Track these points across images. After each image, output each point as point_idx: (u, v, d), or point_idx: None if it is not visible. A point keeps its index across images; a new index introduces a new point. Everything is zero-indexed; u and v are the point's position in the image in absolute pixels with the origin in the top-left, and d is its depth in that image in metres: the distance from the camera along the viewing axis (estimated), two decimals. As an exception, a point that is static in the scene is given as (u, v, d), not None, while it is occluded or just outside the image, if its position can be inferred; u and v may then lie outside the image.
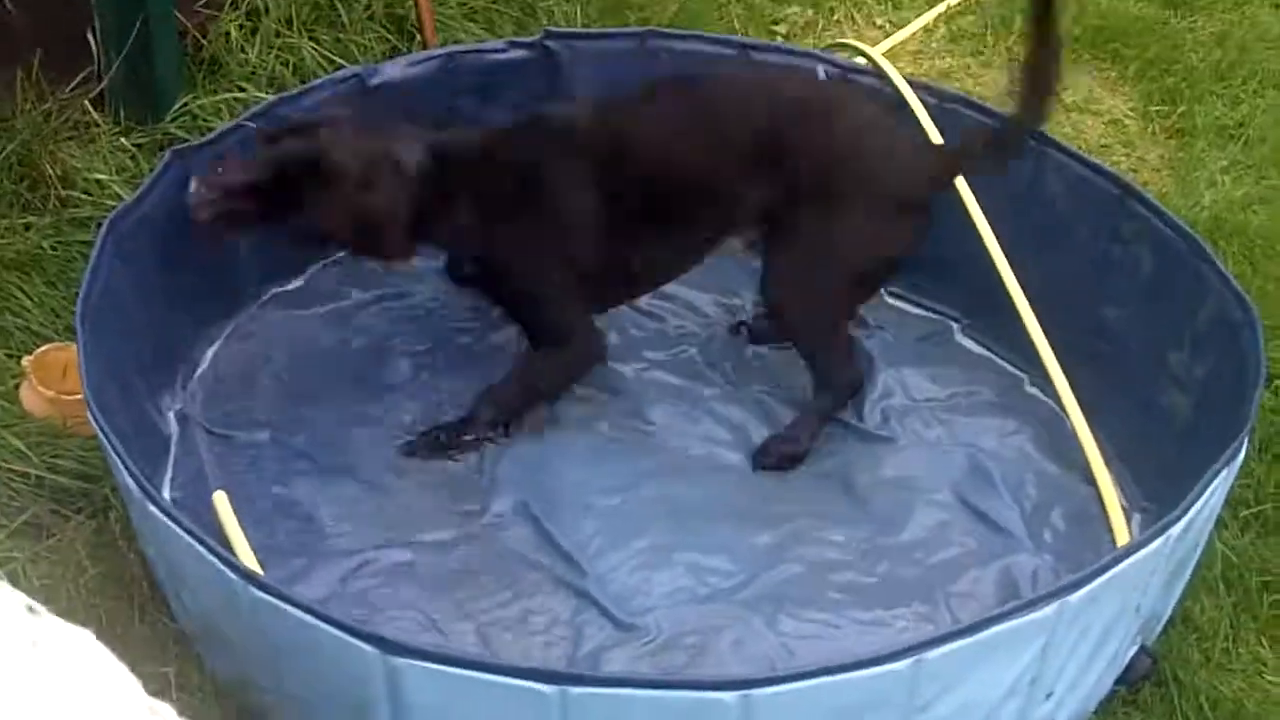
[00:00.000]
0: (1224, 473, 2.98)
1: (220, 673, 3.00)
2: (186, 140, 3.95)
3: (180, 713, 2.86)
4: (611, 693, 2.55)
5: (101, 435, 2.96)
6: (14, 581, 3.07)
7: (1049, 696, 2.84)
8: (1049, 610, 2.67)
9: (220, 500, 3.14)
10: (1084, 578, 2.71)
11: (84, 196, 3.90)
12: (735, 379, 3.82)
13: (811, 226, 3.45)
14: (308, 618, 2.64)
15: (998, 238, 3.76)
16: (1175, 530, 2.85)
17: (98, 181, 3.92)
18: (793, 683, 2.55)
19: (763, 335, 3.88)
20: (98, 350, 3.13)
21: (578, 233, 3.46)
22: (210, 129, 3.96)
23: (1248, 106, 4.98)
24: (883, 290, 3.97)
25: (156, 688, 2.86)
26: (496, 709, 2.60)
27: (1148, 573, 2.87)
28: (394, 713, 2.66)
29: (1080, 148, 4.37)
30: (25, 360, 3.51)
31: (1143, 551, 2.79)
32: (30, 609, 1.66)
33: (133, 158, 4.00)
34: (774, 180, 3.43)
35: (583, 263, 3.48)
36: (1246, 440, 3.13)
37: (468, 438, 3.56)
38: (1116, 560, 2.75)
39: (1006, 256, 3.74)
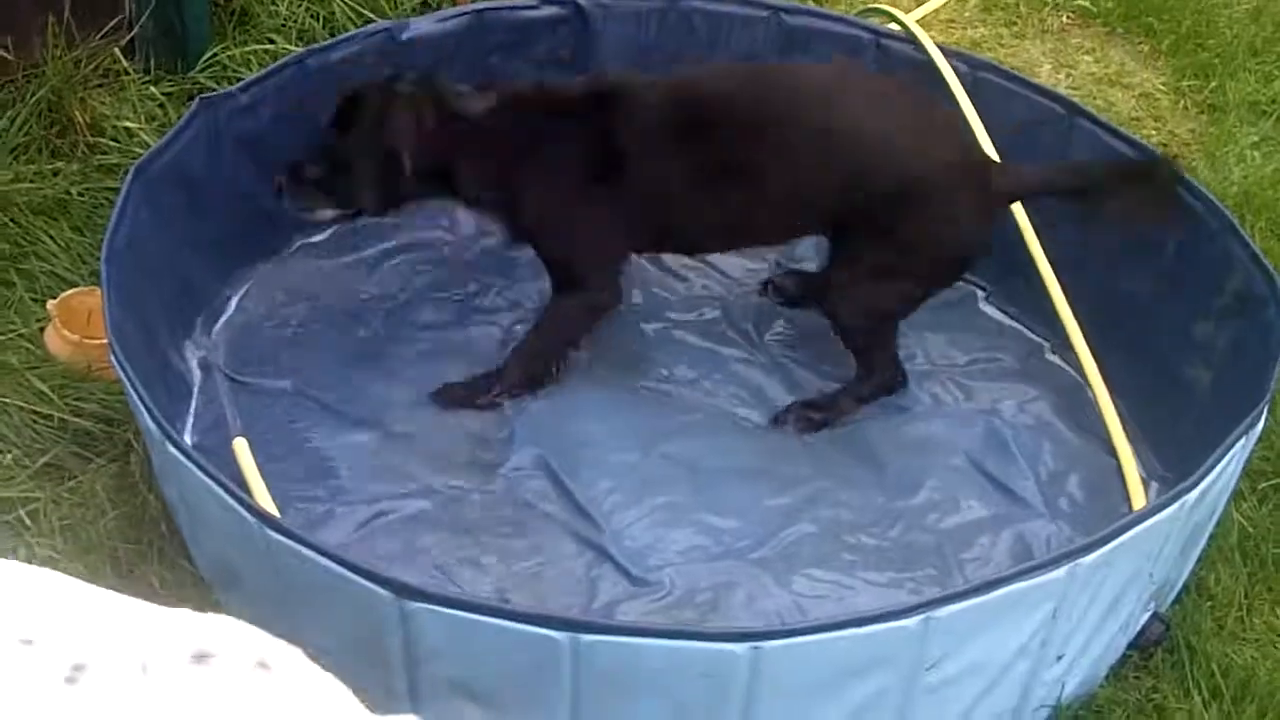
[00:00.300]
0: (1241, 442, 2.98)
1: (236, 616, 3.02)
2: (215, 90, 3.97)
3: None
4: (623, 641, 2.56)
5: (123, 377, 2.98)
6: (35, 521, 3.14)
7: (1059, 659, 2.84)
8: (1060, 572, 2.67)
9: (240, 446, 3.16)
10: (1096, 541, 2.71)
11: (112, 144, 3.93)
12: (757, 341, 3.83)
13: (882, 244, 3.44)
14: (324, 561, 2.66)
15: (1024, 207, 3.76)
16: (1190, 497, 2.85)
17: (126, 129, 3.95)
18: (802, 636, 2.56)
19: (789, 295, 3.89)
20: (122, 294, 3.16)
21: (637, 198, 3.47)
22: (239, 79, 3.97)
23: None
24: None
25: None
26: (509, 655, 2.62)
27: (1161, 539, 2.87)
28: (407, 657, 2.68)
29: (1111, 120, 4.35)
30: (50, 304, 3.54)
31: (1157, 517, 2.79)
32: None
33: (161, 106, 4.04)
34: (847, 186, 3.41)
35: (633, 223, 3.51)
36: (1266, 411, 3.12)
37: (496, 392, 3.57)
38: (1130, 525, 2.75)
39: (1033, 226, 3.74)
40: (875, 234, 3.43)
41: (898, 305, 3.57)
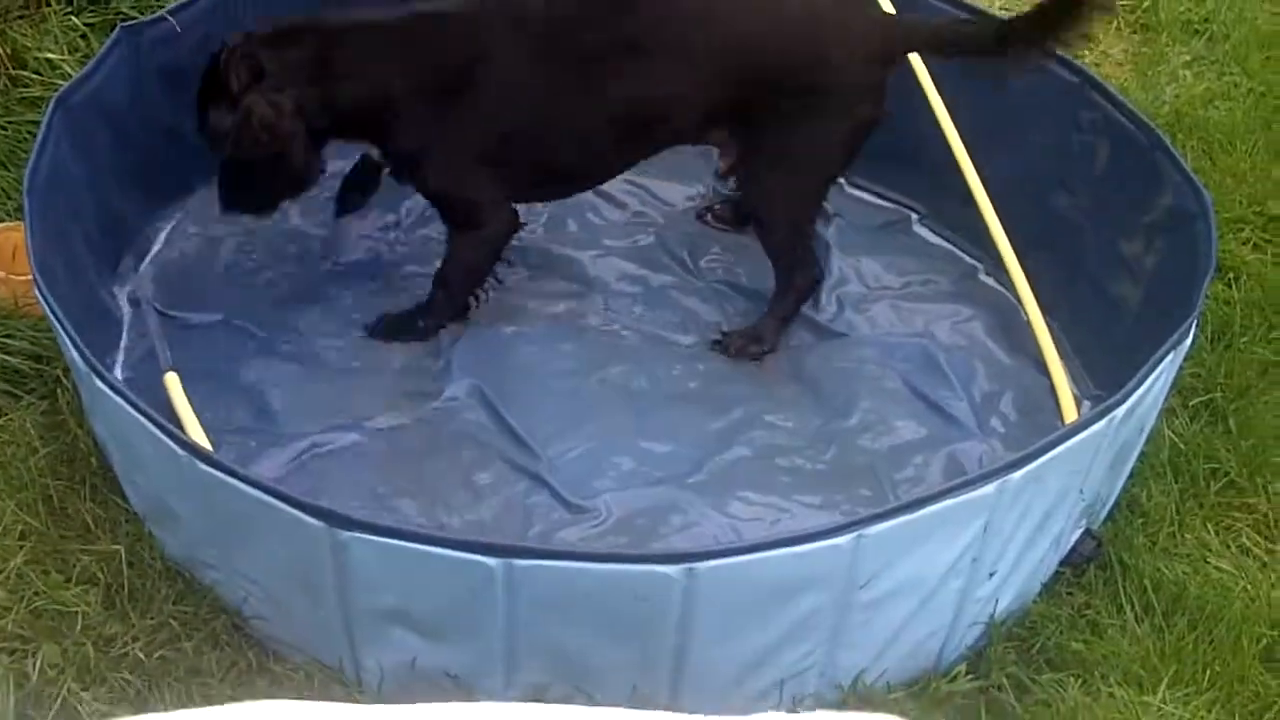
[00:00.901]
0: (1169, 358, 3.00)
1: (170, 550, 3.01)
2: (139, 19, 3.90)
3: (131, 590, 2.91)
4: (556, 565, 2.57)
5: (49, 313, 2.95)
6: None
7: (991, 575, 2.87)
8: (989, 489, 2.69)
9: (171, 380, 3.15)
10: (1025, 457, 2.72)
11: (34, 76, 3.86)
12: (693, 268, 3.83)
13: (781, 124, 3.40)
14: (254, 492, 2.65)
15: (957, 128, 3.76)
16: (1118, 413, 2.87)
17: (48, 61, 3.88)
18: (735, 556, 2.57)
19: (725, 220, 3.92)
20: (46, 229, 3.12)
21: (499, 120, 3.39)
22: (161, 7, 3.90)
23: (1213, 2, 4.97)
24: (842, 179, 3.98)
25: (108, 565, 2.93)
26: (442, 583, 2.62)
27: (1090, 455, 2.89)
28: (340, 587, 2.68)
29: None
30: (-26, 241, 3.49)
31: (1085, 433, 2.81)
32: None
33: (84, 37, 3.97)
34: (724, 82, 3.37)
35: (504, 152, 3.43)
36: (1194, 328, 3.15)
37: (425, 322, 3.57)
38: (1058, 441, 2.77)
39: (966, 146, 3.74)
40: (773, 122, 3.40)
41: (814, 189, 3.56)
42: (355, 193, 3.79)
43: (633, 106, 3.40)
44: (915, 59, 3.79)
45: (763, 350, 3.59)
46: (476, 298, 3.60)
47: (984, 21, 3.51)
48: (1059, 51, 3.42)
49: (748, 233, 3.77)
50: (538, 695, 2.73)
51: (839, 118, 3.43)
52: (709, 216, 3.94)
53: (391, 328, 3.57)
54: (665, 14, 3.40)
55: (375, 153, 3.55)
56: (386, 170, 3.62)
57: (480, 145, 3.41)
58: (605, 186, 3.91)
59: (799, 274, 3.57)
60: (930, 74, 3.79)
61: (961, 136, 3.74)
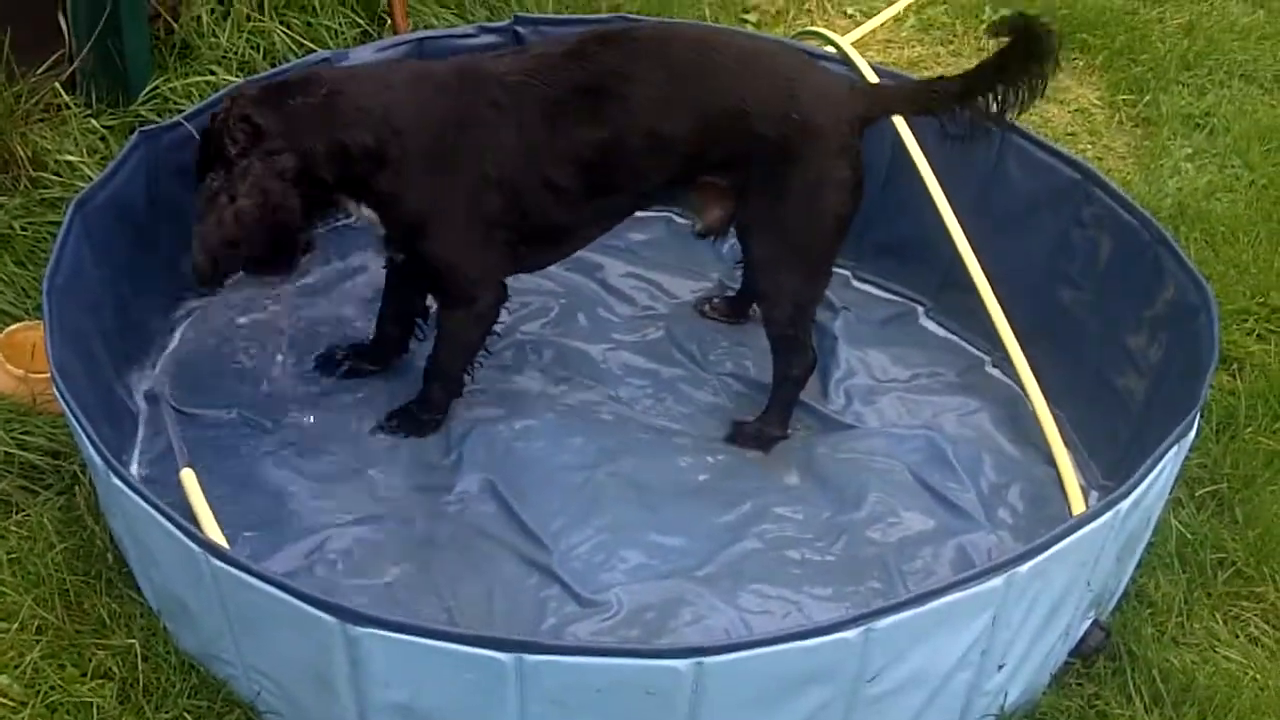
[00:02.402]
0: (1174, 450, 3.03)
1: (185, 645, 3.04)
2: (158, 123, 3.98)
3: (146, 684, 2.93)
4: (567, 660, 2.59)
5: (66, 409, 2.99)
6: (-18, 555, 3.14)
7: (1001, 668, 2.88)
8: (998, 581, 2.71)
9: (188, 477, 3.17)
10: (1032, 550, 2.75)
11: (54, 177, 3.92)
12: (701, 361, 3.87)
13: (766, 192, 3.41)
14: (268, 588, 2.68)
15: (961, 223, 3.82)
16: (1124, 505, 2.89)
17: (68, 163, 3.95)
18: (744, 650, 2.59)
19: (725, 313, 3.97)
20: (64, 330, 3.16)
21: (496, 188, 3.36)
22: (181, 111, 3.98)
23: (1213, 96, 5.04)
24: (849, 273, 4.04)
25: (124, 660, 2.95)
26: (455, 678, 2.64)
27: (1098, 547, 2.91)
28: (355, 682, 2.70)
29: (1047, 135, 4.44)
30: (-6, 339, 3.54)
31: (1091, 525, 2.83)
32: None
33: (103, 139, 4.03)
34: (703, 139, 3.39)
35: (499, 218, 3.40)
36: (1199, 419, 3.18)
37: (427, 417, 3.61)
38: (1065, 534, 2.79)
39: (970, 241, 3.79)
40: (758, 191, 3.42)
41: (811, 259, 3.52)
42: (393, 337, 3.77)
43: (612, 158, 3.40)
44: (919, 156, 3.85)
45: (773, 437, 3.62)
46: (471, 374, 3.62)
47: (948, 80, 3.52)
48: (1021, 102, 3.42)
49: (748, 326, 3.83)
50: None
51: (819, 181, 3.42)
52: (707, 308, 3.99)
53: (399, 426, 3.60)
54: (649, 66, 3.40)
55: (369, 219, 3.42)
56: (384, 248, 3.56)
57: (480, 207, 3.38)
58: (614, 281, 3.96)
59: (796, 362, 3.60)
60: (934, 171, 3.84)
61: (966, 232, 3.80)
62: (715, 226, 3.59)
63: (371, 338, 3.77)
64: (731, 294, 3.99)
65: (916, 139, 3.88)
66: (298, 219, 3.27)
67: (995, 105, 3.39)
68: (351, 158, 3.28)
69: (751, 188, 3.44)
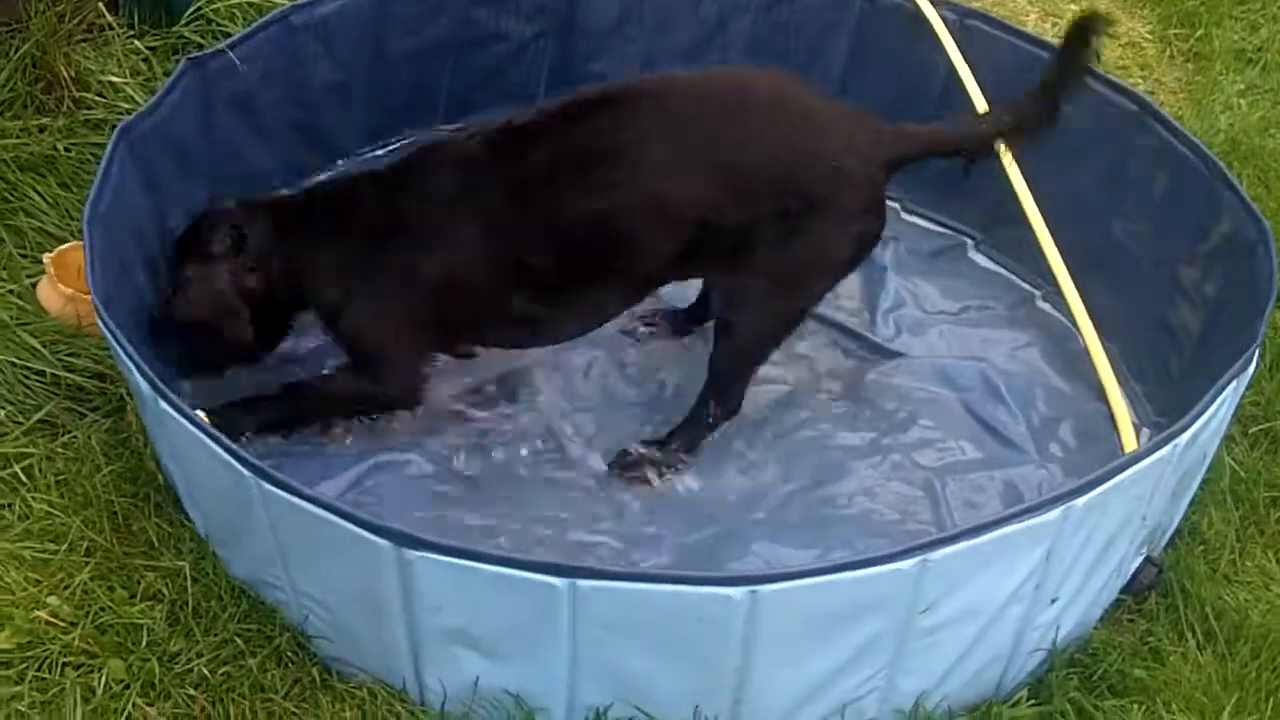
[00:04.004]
0: (1232, 386, 2.99)
1: (234, 569, 3.03)
2: (200, 44, 3.96)
3: (195, 607, 2.93)
4: (620, 586, 2.57)
5: (110, 336, 2.96)
6: (30, 478, 3.14)
7: (1053, 602, 2.86)
8: (1054, 515, 2.68)
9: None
10: (1089, 483, 2.72)
11: (97, 99, 3.89)
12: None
13: (778, 241, 3.13)
14: (320, 511, 2.66)
15: (1014, 156, 3.76)
16: (1181, 440, 2.86)
17: (111, 84, 3.91)
18: (799, 580, 2.57)
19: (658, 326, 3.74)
20: (108, 254, 3.13)
21: (435, 285, 3.19)
22: (225, 34, 3.96)
23: (1266, 31, 4.97)
24: (899, 206, 4.01)
25: (173, 582, 2.95)
26: (507, 602, 2.63)
27: (1153, 482, 2.88)
28: (406, 607, 2.69)
29: (1098, 69, 4.35)
30: (46, 257, 3.52)
31: (1148, 460, 2.80)
32: None
33: (146, 61, 4.00)
34: (715, 201, 3.10)
35: (433, 318, 3.25)
36: (1256, 356, 3.13)
37: (244, 431, 3.29)
38: (1122, 468, 2.76)
39: (1023, 174, 3.74)
40: (769, 240, 3.13)
41: (799, 312, 3.31)
42: None
43: (600, 231, 3.12)
44: (972, 87, 3.79)
45: (669, 460, 3.36)
46: (326, 429, 3.39)
47: (971, 120, 3.44)
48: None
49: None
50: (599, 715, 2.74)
51: (842, 231, 3.19)
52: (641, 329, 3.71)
53: (226, 414, 3.26)
54: (648, 122, 3.13)
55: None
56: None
57: (412, 311, 3.24)
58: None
59: (727, 401, 3.36)
60: (987, 102, 3.79)
61: (1019, 164, 3.74)
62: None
63: None
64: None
65: (971, 70, 3.82)
66: (247, 336, 3.31)
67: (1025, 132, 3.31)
68: (295, 283, 3.30)
69: (759, 241, 3.14)
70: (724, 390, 3.34)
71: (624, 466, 3.36)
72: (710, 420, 3.36)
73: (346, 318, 3.29)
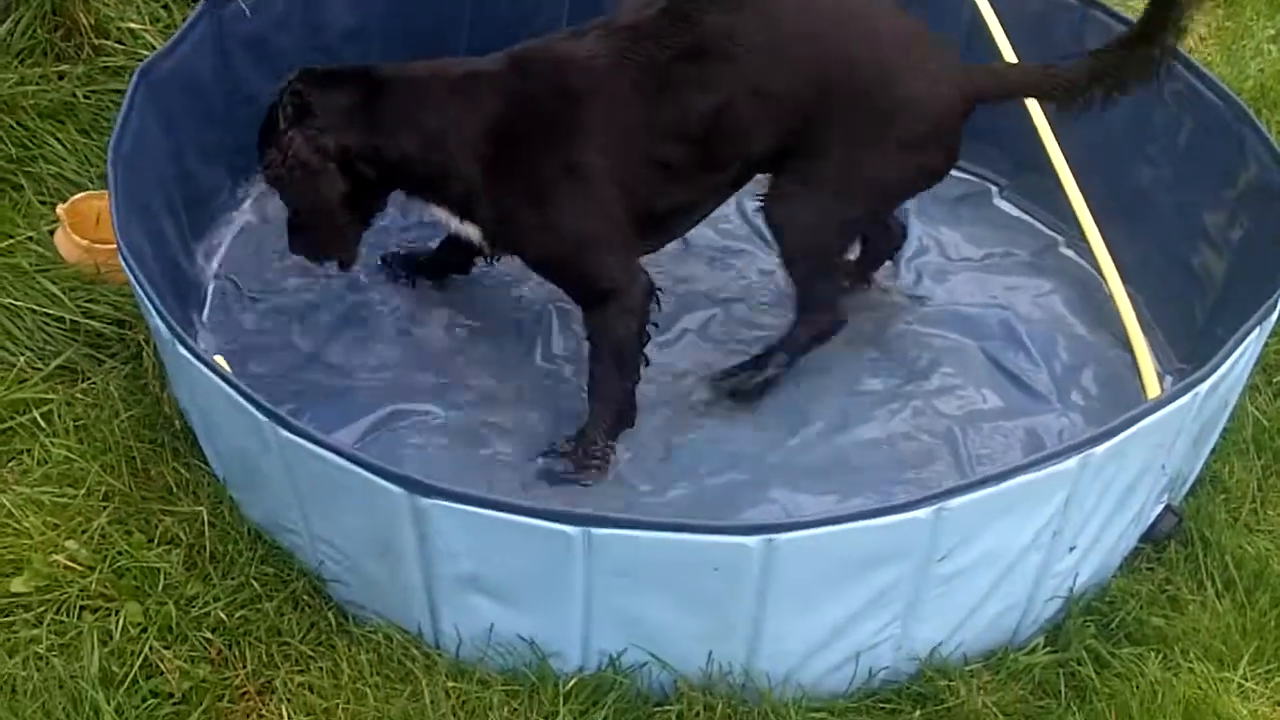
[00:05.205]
0: (1255, 333, 2.96)
1: (251, 514, 3.04)
2: (220, -9, 3.94)
3: (213, 552, 2.95)
4: (635, 534, 2.57)
5: (132, 279, 2.97)
6: (49, 423, 3.15)
7: (1071, 550, 2.85)
8: (1072, 463, 2.66)
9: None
10: (1108, 431, 2.69)
11: (117, 45, 3.89)
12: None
13: (836, 157, 3.18)
14: (335, 458, 2.66)
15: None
16: (1202, 389, 2.83)
17: (130, 30, 3.91)
18: (814, 529, 2.56)
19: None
20: (129, 199, 3.13)
21: (605, 175, 3.14)
22: (243, -22, 3.94)
23: (1298, -24, 4.89)
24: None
25: (190, 527, 2.97)
26: (521, 551, 2.63)
27: (1174, 430, 2.86)
28: (421, 554, 2.69)
29: (1127, 14, 4.29)
30: (59, 208, 3.53)
31: (1168, 408, 2.77)
32: None
33: (165, 8, 4.00)
34: (803, 105, 3.15)
35: (609, 208, 3.17)
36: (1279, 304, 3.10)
37: (599, 447, 3.25)
38: (1141, 416, 2.74)
39: (1047, 119, 3.70)
40: (838, 145, 3.18)
41: (857, 219, 3.33)
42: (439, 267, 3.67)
43: (723, 124, 3.16)
44: (998, 33, 3.75)
45: (758, 382, 3.38)
46: (635, 385, 3.29)
47: (1074, 65, 3.26)
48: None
49: None
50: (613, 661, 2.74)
51: (903, 156, 3.22)
52: None
53: (559, 474, 3.25)
54: (756, 23, 3.16)
55: (462, 226, 3.27)
56: (482, 258, 3.49)
57: (583, 201, 3.16)
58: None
59: (807, 319, 3.36)
60: (1013, 48, 3.74)
61: (1043, 110, 3.70)
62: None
63: (432, 253, 3.67)
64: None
65: (996, 14, 3.78)
66: (335, 199, 3.16)
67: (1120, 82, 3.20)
68: (390, 163, 3.17)
69: (829, 146, 3.18)
70: (805, 301, 3.34)
71: (731, 393, 3.38)
72: (812, 329, 3.36)
73: (531, 245, 3.23)
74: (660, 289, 3.27)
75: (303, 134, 3.11)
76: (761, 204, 3.28)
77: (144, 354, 3.33)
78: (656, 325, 3.31)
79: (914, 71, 3.17)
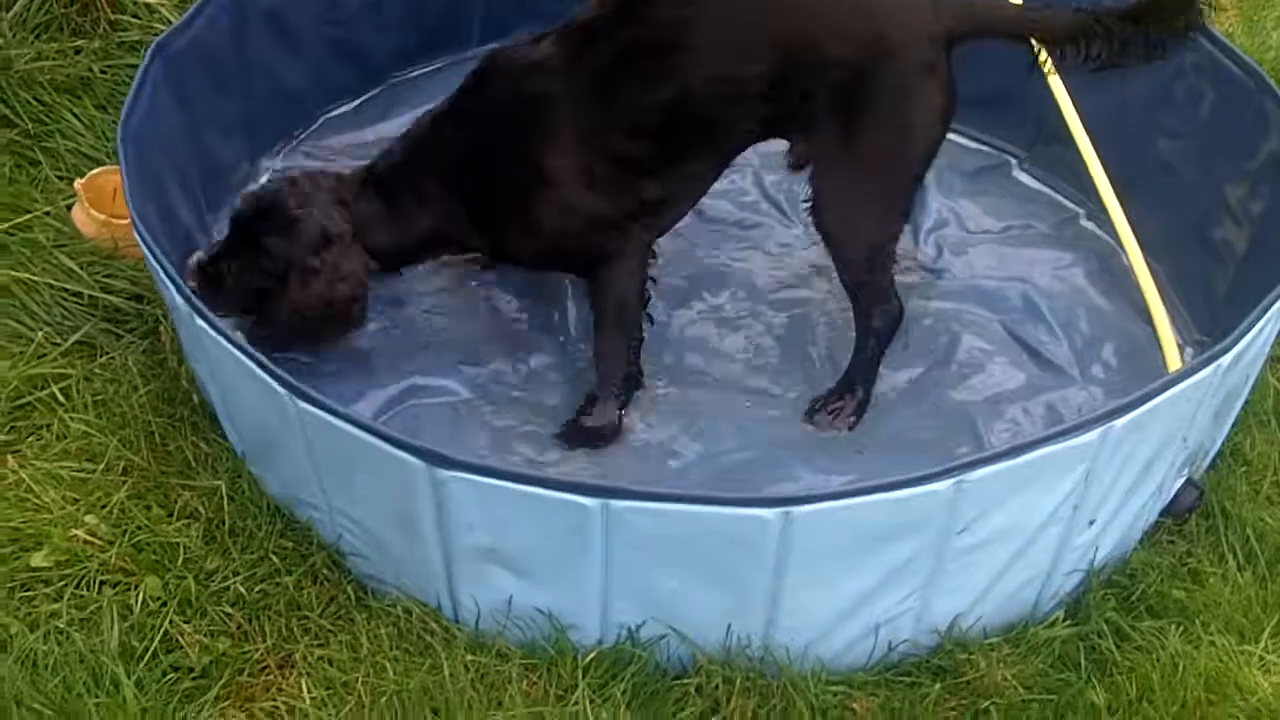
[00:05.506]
0: (1276, 306, 2.93)
1: (270, 488, 3.05)
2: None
3: (232, 526, 2.95)
4: (653, 506, 2.56)
5: (148, 253, 2.97)
6: (68, 398, 3.16)
7: (1091, 523, 2.83)
8: (1092, 436, 2.65)
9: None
10: (1129, 404, 2.68)
11: (133, 20, 3.90)
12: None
13: (844, 121, 3.13)
14: (354, 430, 2.66)
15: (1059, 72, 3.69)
16: (1224, 361, 2.82)
17: (147, 5, 3.91)
18: (834, 501, 2.55)
19: None
20: (142, 176, 3.13)
21: (575, 175, 3.16)
22: (260, -48, 3.93)
23: (1321, -56, 4.85)
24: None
25: (209, 501, 2.97)
26: (540, 523, 2.63)
27: (1195, 403, 2.84)
28: (440, 526, 2.69)
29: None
30: (77, 183, 3.53)
31: (1189, 381, 2.76)
32: None
33: (182, -19, 3.99)
34: (776, 68, 3.11)
35: (592, 200, 3.19)
36: (1303, 276, 3.08)
37: (615, 405, 3.28)
38: (1162, 389, 2.72)
39: (1068, 91, 3.68)
40: (836, 120, 3.13)
41: (889, 198, 3.23)
42: None
43: (687, 105, 3.13)
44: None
45: (858, 403, 3.32)
46: (639, 345, 3.33)
47: (1057, 13, 3.23)
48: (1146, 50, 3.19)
49: None
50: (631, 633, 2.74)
51: (899, 105, 3.14)
52: None
53: (579, 436, 3.26)
54: (709, 8, 3.12)
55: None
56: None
57: (562, 196, 3.19)
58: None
59: (877, 313, 3.30)
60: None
61: (1063, 81, 3.68)
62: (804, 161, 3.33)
63: None
64: None
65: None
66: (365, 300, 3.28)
67: (1109, 51, 3.16)
68: (409, 250, 3.32)
69: (820, 118, 3.15)
70: (868, 300, 3.28)
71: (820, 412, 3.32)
72: (877, 333, 3.30)
73: (530, 223, 3.23)
74: (656, 254, 3.34)
75: (356, 250, 3.19)
76: (809, 213, 3.27)
77: (161, 329, 3.33)
78: (654, 280, 3.37)
79: (878, 16, 3.12)
